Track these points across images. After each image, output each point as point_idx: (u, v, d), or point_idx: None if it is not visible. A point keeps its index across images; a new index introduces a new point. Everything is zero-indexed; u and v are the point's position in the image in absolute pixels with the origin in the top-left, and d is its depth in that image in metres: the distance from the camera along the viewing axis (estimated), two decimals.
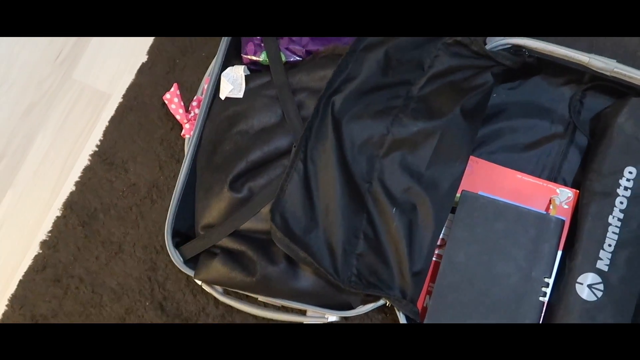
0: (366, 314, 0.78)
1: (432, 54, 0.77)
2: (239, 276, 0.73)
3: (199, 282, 0.78)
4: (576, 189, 0.79)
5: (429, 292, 0.78)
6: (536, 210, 0.77)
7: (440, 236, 0.78)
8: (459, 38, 0.77)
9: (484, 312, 0.73)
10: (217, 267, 0.74)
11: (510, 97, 0.85)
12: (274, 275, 0.72)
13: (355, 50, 0.75)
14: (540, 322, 0.74)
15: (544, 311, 0.74)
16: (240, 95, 0.78)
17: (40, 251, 0.89)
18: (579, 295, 0.72)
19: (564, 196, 0.79)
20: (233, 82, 0.79)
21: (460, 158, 0.74)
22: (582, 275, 0.73)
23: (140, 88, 0.94)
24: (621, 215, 0.74)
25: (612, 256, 0.73)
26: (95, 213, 0.90)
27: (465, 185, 0.79)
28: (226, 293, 0.79)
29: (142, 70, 0.95)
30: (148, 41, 0.96)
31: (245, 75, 0.79)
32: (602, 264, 0.73)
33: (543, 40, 0.77)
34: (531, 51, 0.78)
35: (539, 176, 0.82)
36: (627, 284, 0.73)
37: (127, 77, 0.95)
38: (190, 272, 0.77)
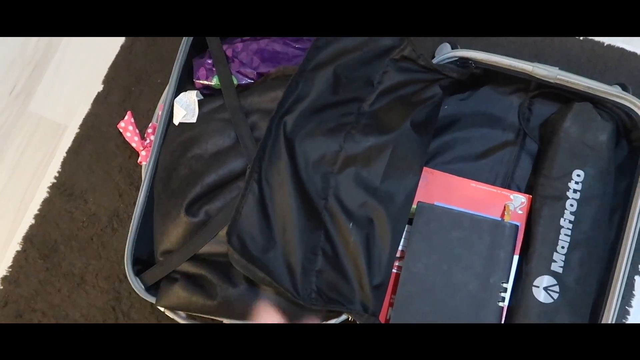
0: None
1: (381, 70, 0.79)
2: (200, 300, 0.73)
3: (162, 309, 0.77)
4: (529, 194, 0.80)
5: (391, 304, 0.78)
6: (491, 217, 0.79)
7: (400, 248, 0.79)
8: (405, 53, 0.78)
9: (445, 321, 0.74)
10: (178, 292, 0.74)
11: (462, 108, 0.87)
12: (234, 297, 0.72)
13: (305, 70, 0.76)
14: None
15: (504, 316, 0.76)
16: (194, 120, 0.79)
17: (1, 287, 0.88)
18: (536, 298, 0.74)
19: (518, 202, 0.81)
20: (186, 108, 0.79)
21: (414, 170, 0.75)
22: (538, 279, 0.74)
23: (97, 117, 0.94)
24: (572, 218, 0.76)
25: (565, 258, 0.74)
26: (55, 245, 0.89)
27: (421, 196, 0.80)
28: (190, 318, 0.79)
29: (98, 99, 0.95)
30: (103, 70, 0.96)
31: (198, 100, 0.80)
32: (557, 266, 0.74)
33: (488, 52, 0.79)
34: (477, 62, 0.80)
35: (493, 184, 0.84)
36: (582, 284, 0.74)
37: (84, 107, 0.95)
38: (152, 299, 0.77)
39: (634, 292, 0.81)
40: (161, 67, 0.95)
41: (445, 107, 0.87)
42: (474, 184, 0.81)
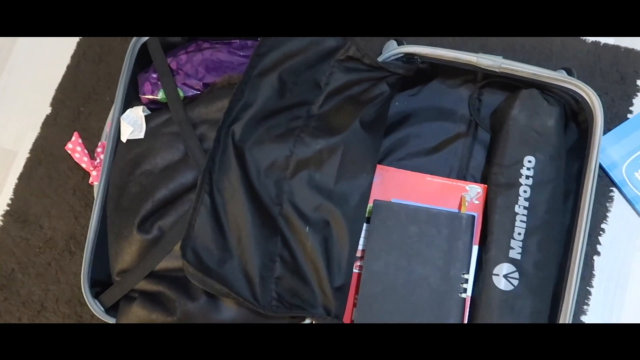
0: None
1: (327, 72, 0.79)
2: (160, 317, 0.72)
3: None
4: (485, 184, 0.81)
5: (355, 305, 0.78)
6: (448, 209, 0.79)
7: (360, 247, 0.78)
8: (350, 53, 0.78)
9: (408, 317, 0.74)
10: (137, 311, 0.73)
11: (413, 104, 0.87)
12: (194, 311, 0.72)
13: (250, 77, 0.75)
14: (465, 317, 0.75)
15: (468, 306, 0.76)
16: (142, 135, 0.78)
17: None
18: (496, 287, 0.74)
19: (474, 192, 0.81)
20: (133, 124, 0.78)
21: (367, 169, 0.75)
22: (497, 267, 0.75)
23: (47, 141, 0.93)
24: (526, 204, 0.76)
25: (523, 244, 0.75)
26: (13, 274, 0.87)
27: (377, 194, 0.80)
28: None
29: (47, 122, 0.94)
30: (50, 92, 0.95)
31: (146, 115, 0.79)
32: (515, 253, 0.75)
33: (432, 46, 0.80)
34: (422, 57, 0.81)
35: (449, 176, 0.84)
36: (541, 269, 0.75)
37: (32, 132, 0.93)
38: (112, 320, 0.76)
39: (594, 272, 0.81)
40: (109, 85, 0.94)
41: (396, 103, 0.87)
42: (429, 177, 0.82)
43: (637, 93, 0.85)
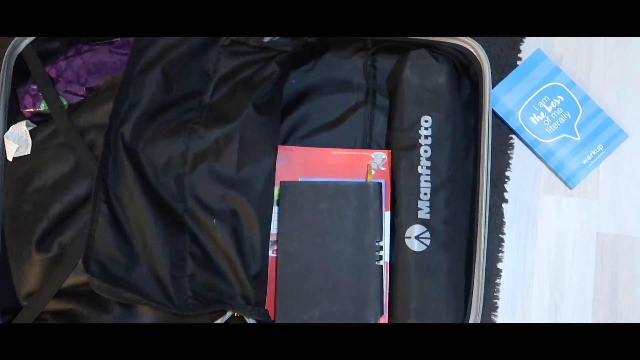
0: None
1: (213, 59, 0.77)
2: None
3: None
4: (389, 149, 0.81)
5: (276, 289, 0.78)
6: (354, 180, 0.79)
7: (275, 231, 0.78)
8: (234, 37, 0.77)
9: (330, 293, 0.75)
10: None
11: (309, 80, 0.86)
12: (110, 323, 0.70)
13: (132, 75, 0.73)
14: (385, 283, 0.76)
15: (387, 273, 0.77)
16: (28, 151, 0.74)
17: None
18: (410, 249, 0.75)
19: (379, 159, 0.81)
20: (18, 141, 0.75)
21: (267, 152, 0.74)
22: (408, 229, 0.76)
23: None
24: (428, 164, 0.77)
25: (430, 203, 0.76)
26: None
27: (285, 175, 0.79)
28: None
29: None
30: None
31: (30, 130, 0.75)
32: (423, 213, 0.76)
33: None
34: None
35: (354, 146, 0.84)
36: (452, 224, 0.76)
37: None
38: None
39: (504, 219, 0.84)
40: None
41: (293, 81, 0.86)
42: (334, 151, 0.81)
43: (523, 40, 0.87)
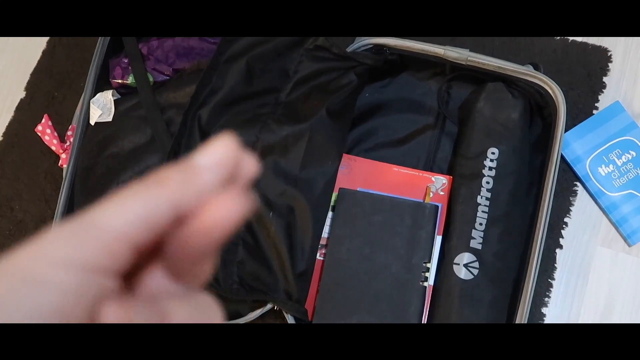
0: (261, 318, 0.78)
1: (296, 60, 0.80)
2: None
3: None
4: (450, 175, 0.82)
5: (318, 291, 0.79)
6: (411, 199, 0.80)
7: (325, 235, 0.79)
8: (319, 42, 0.79)
9: (370, 304, 0.75)
10: None
11: (383, 95, 0.88)
12: None
13: (218, 63, 0.76)
14: (426, 305, 0.76)
15: (429, 295, 0.77)
16: (110, 118, 0.78)
17: None
18: (457, 276, 0.75)
19: (439, 183, 0.82)
20: (102, 107, 0.79)
21: (332, 157, 0.76)
22: (458, 256, 0.76)
23: (20, 125, 0.93)
24: (489, 195, 0.77)
25: (484, 234, 0.76)
26: None
27: (344, 183, 0.81)
28: None
29: (21, 107, 0.94)
30: (25, 77, 0.95)
31: (115, 99, 0.80)
32: (476, 243, 0.76)
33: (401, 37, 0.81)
34: (391, 49, 0.82)
35: (415, 167, 0.85)
36: (502, 259, 0.76)
37: (6, 116, 0.94)
38: None
39: (555, 264, 0.82)
40: (84, 70, 0.93)
41: (367, 95, 0.88)
42: (396, 168, 0.83)
43: (603, 90, 0.87)
